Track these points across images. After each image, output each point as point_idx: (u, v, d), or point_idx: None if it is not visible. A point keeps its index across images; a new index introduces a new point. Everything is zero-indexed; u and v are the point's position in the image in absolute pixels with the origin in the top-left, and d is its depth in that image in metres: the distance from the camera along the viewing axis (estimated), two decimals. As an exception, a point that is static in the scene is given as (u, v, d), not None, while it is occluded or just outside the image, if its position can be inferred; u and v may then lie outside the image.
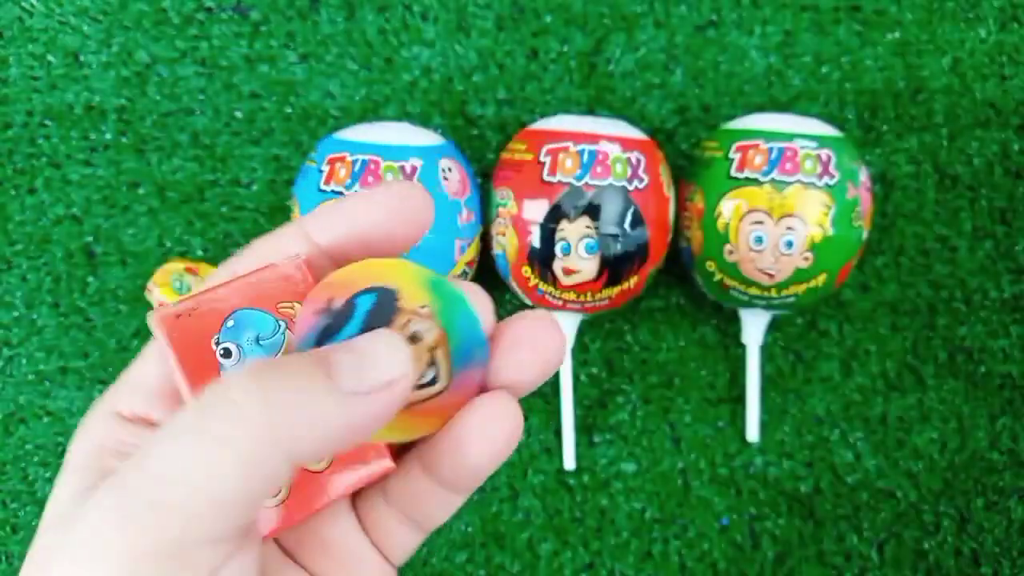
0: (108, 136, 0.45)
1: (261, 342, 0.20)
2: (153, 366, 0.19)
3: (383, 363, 0.17)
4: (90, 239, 0.45)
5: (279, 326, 0.20)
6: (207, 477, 0.15)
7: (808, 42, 0.45)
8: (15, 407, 0.45)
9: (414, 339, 0.19)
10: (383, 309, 0.19)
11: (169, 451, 0.15)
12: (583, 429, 0.46)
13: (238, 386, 0.15)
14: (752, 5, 0.45)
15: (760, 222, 0.38)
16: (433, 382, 0.19)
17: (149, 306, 0.44)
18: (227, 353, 0.19)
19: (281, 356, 0.19)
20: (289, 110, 0.45)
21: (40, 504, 0.44)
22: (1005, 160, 0.46)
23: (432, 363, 0.19)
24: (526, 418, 0.45)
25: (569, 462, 0.44)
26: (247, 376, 0.16)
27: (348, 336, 0.18)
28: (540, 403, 0.46)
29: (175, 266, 0.42)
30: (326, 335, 0.18)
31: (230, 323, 0.19)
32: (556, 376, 0.45)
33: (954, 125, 0.46)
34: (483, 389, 0.19)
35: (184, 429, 0.15)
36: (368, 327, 0.18)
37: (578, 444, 0.45)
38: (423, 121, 0.45)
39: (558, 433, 0.45)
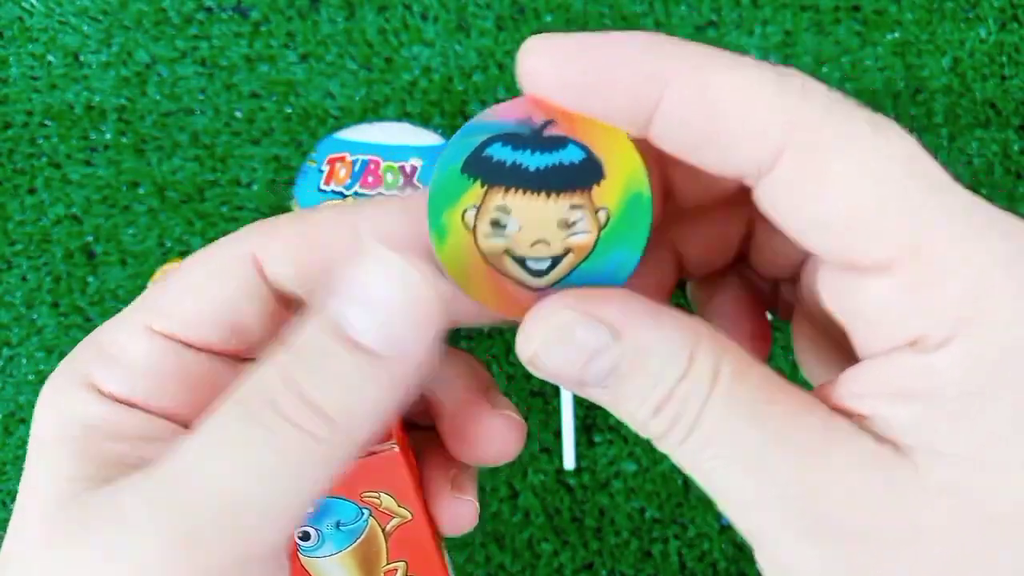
0: (108, 136, 0.45)
1: (341, 528, 0.19)
2: (135, 341, 0.17)
3: (400, 316, 0.14)
4: (90, 239, 0.45)
5: (362, 513, 0.20)
6: (259, 483, 0.14)
7: (808, 42, 0.45)
8: (15, 407, 0.45)
9: (566, 224, 0.16)
10: (578, 174, 0.16)
11: (221, 448, 0.14)
12: (583, 429, 0.46)
13: (275, 388, 0.14)
14: (752, 5, 0.45)
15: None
16: (542, 274, 0.16)
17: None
18: (306, 536, 0.19)
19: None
20: (289, 110, 0.45)
21: (40, 504, 0.44)
22: (1005, 160, 0.46)
23: (556, 259, 0.16)
24: (525, 418, 0.45)
25: (569, 462, 0.44)
26: (281, 372, 0.15)
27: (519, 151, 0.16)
28: (540, 403, 0.46)
29: (175, 266, 0.42)
30: (504, 141, 0.16)
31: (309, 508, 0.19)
32: (556, 376, 0.45)
33: (954, 125, 0.46)
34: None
35: (240, 425, 0.14)
36: (547, 178, 0.16)
37: (578, 444, 0.45)
38: (423, 121, 0.45)
39: (558, 433, 0.45)
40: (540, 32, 0.48)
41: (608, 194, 0.16)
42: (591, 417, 0.46)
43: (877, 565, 0.14)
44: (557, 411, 0.45)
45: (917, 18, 0.46)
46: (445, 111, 0.45)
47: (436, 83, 0.45)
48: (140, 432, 0.16)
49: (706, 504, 0.45)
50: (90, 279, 0.45)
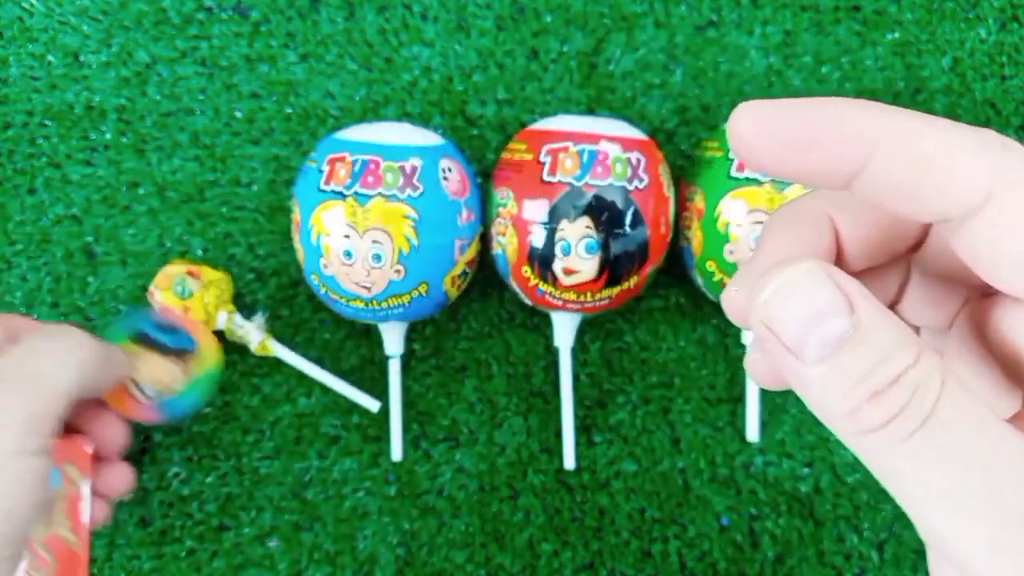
0: (108, 136, 0.45)
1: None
2: None
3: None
4: (90, 239, 0.45)
5: (57, 475, 0.34)
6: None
7: (808, 42, 0.45)
8: (15, 407, 0.44)
9: (173, 375, 0.37)
10: (185, 350, 0.38)
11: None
12: (583, 429, 0.46)
13: None
14: (752, 5, 0.45)
15: (762, 222, 0.38)
16: (150, 397, 0.37)
17: (149, 305, 0.44)
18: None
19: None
20: (289, 110, 0.45)
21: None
22: (1005, 160, 0.46)
23: (161, 391, 0.37)
24: (525, 418, 0.46)
25: (569, 462, 0.44)
26: None
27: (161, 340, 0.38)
28: (540, 403, 0.46)
29: (177, 269, 0.42)
30: (155, 326, 0.38)
31: None
32: (556, 376, 0.45)
33: (954, 125, 0.46)
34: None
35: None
36: (172, 348, 0.38)
37: (578, 444, 0.45)
38: (423, 121, 0.45)
39: (558, 433, 0.45)
40: (540, 33, 0.48)
41: (198, 365, 0.38)
42: (591, 417, 0.46)
43: None
44: (557, 411, 0.45)
45: (917, 18, 0.46)
46: (445, 111, 0.45)
47: (436, 83, 0.45)
48: None
49: (706, 504, 0.45)
50: (90, 279, 0.45)
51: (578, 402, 0.45)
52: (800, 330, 0.15)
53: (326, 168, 0.38)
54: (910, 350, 0.15)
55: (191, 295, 0.42)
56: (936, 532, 0.15)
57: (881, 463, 0.15)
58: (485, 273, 0.43)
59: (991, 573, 0.14)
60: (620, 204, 0.38)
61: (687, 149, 0.45)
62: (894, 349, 0.15)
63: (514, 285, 0.41)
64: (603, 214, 0.38)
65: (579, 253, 0.38)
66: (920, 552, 0.45)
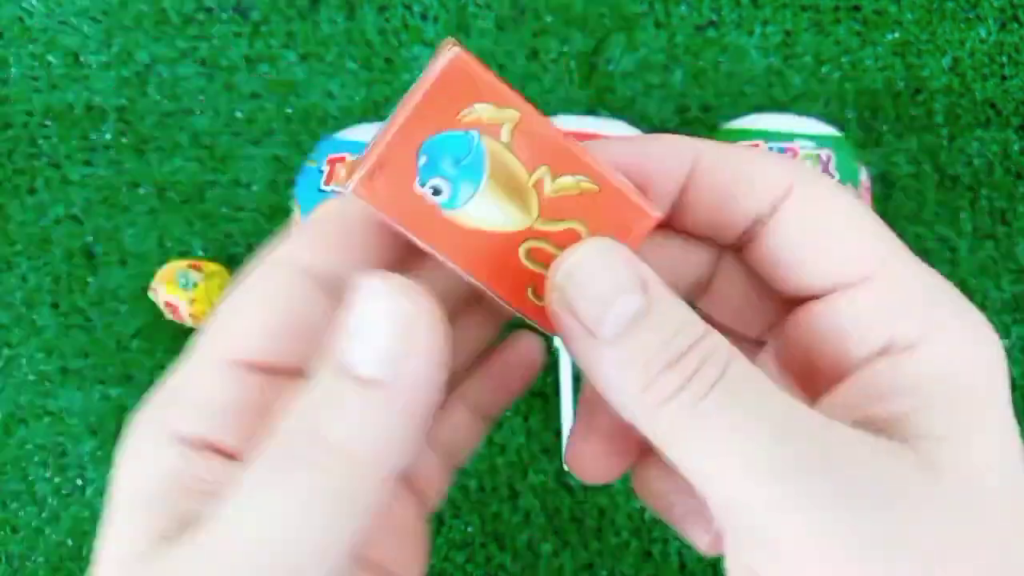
0: (108, 136, 0.45)
1: (462, 163, 0.17)
2: (213, 379, 0.17)
3: (394, 341, 0.15)
4: (90, 239, 0.45)
5: (471, 139, 0.17)
6: (294, 532, 0.14)
7: (808, 42, 0.45)
8: (15, 407, 0.44)
9: None
10: None
11: (255, 502, 0.14)
12: (583, 429, 0.46)
13: (328, 418, 0.15)
14: (752, 5, 0.45)
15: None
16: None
17: (150, 305, 0.44)
18: (437, 191, 0.17)
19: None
20: (289, 110, 0.45)
21: (40, 504, 0.44)
22: (1005, 160, 0.46)
23: None
24: (526, 418, 0.45)
25: (569, 462, 0.44)
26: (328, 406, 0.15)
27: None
28: (540, 403, 0.46)
29: (177, 263, 0.42)
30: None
31: (423, 160, 0.17)
32: (556, 376, 0.45)
33: (954, 125, 0.46)
34: None
35: (269, 476, 0.15)
36: None
37: (578, 444, 0.45)
38: (423, 121, 0.45)
39: (558, 433, 0.45)
40: (540, 33, 0.48)
41: None
42: (591, 417, 0.46)
43: (904, 527, 0.14)
44: (557, 411, 0.45)
45: (917, 18, 0.46)
46: (445, 111, 0.45)
47: (436, 83, 0.45)
48: (216, 478, 0.16)
49: (706, 504, 0.45)
50: (90, 279, 0.45)
51: (578, 402, 0.45)
52: (597, 309, 0.16)
53: (326, 168, 0.38)
54: (698, 326, 0.16)
55: (195, 286, 0.42)
56: (729, 498, 0.15)
57: (677, 436, 0.15)
58: (485, 273, 0.43)
59: (783, 530, 0.15)
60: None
61: (687, 149, 0.45)
62: (684, 325, 0.16)
63: (514, 285, 0.41)
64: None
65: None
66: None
